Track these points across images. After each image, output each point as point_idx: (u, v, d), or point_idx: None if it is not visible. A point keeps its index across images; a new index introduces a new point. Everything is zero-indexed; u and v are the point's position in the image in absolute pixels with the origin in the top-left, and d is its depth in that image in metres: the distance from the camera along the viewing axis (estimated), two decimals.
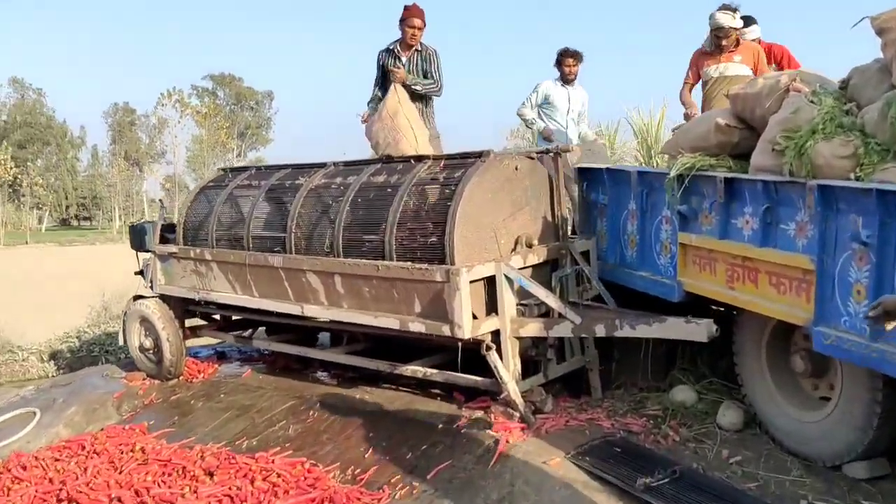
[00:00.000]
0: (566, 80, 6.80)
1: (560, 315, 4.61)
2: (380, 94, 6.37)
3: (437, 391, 5.31)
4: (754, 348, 4.31)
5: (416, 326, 4.69)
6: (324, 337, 6.80)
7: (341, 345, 6.10)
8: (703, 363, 5.08)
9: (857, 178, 3.41)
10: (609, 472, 3.86)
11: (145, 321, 6.46)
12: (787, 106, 3.91)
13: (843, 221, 3.42)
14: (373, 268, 4.79)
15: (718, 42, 5.70)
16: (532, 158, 5.13)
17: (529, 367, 4.89)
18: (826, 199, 3.48)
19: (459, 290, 4.38)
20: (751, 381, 4.37)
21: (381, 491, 4.13)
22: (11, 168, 49.25)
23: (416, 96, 6.19)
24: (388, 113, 5.69)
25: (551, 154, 5.16)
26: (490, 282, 4.63)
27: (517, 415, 4.53)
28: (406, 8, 6.33)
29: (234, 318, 6.70)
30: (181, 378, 6.44)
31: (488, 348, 4.54)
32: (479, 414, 4.76)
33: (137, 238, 6.77)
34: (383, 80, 6.39)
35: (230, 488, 4.29)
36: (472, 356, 4.72)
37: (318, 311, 5.30)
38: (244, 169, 6.53)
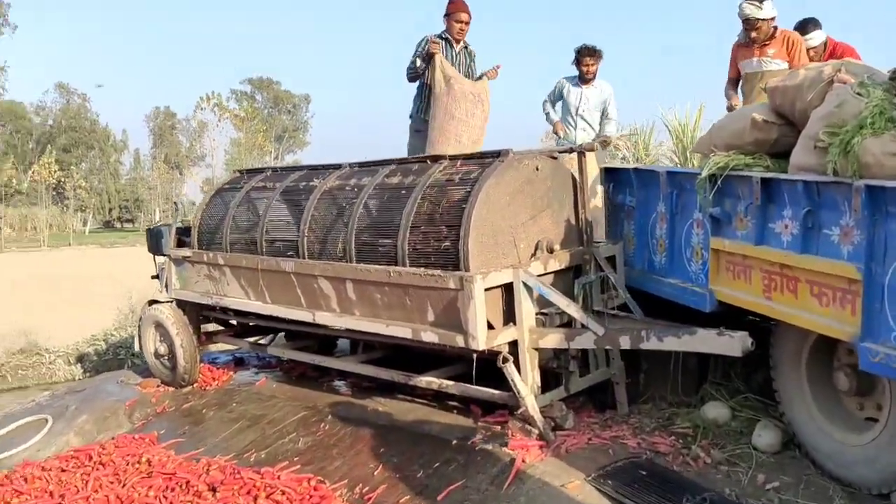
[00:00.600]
0: (583, 78, 6.50)
1: (582, 325, 4.32)
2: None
3: (454, 403, 5.05)
4: (793, 363, 3.97)
5: (429, 336, 4.43)
6: (343, 343, 6.59)
7: (364, 352, 5.88)
8: (738, 377, 4.74)
9: None
10: (633, 499, 3.56)
11: (160, 327, 6.31)
12: (831, 99, 3.57)
13: (893, 226, 3.08)
14: (384, 274, 4.55)
15: (749, 34, 5.34)
16: (554, 158, 4.84)
17: (550, 379, 4.61)
18: (875, 201, 3.13)
19: (473, 299, 4.11)
20: (789, 399, 4.03)
21: None
22: (56, 172, 50.22)
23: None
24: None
25: (575, 153, 4.87)
26: (508, 289, 4.35)
27: (535, 431, 4.25)
28: (451, 1, 6.16)
29: (250, 323, 6.53)
30: (196, 385, 6.28)
31: (505, 360, 4.27)
32: (496, 429, 4.49)
33: (154, 241, 6.65)
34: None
35: None
36: (492, 366, 4.45)
37: (330, 319, 5.08)
38: (260, 170, 6.35)
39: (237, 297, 5.79)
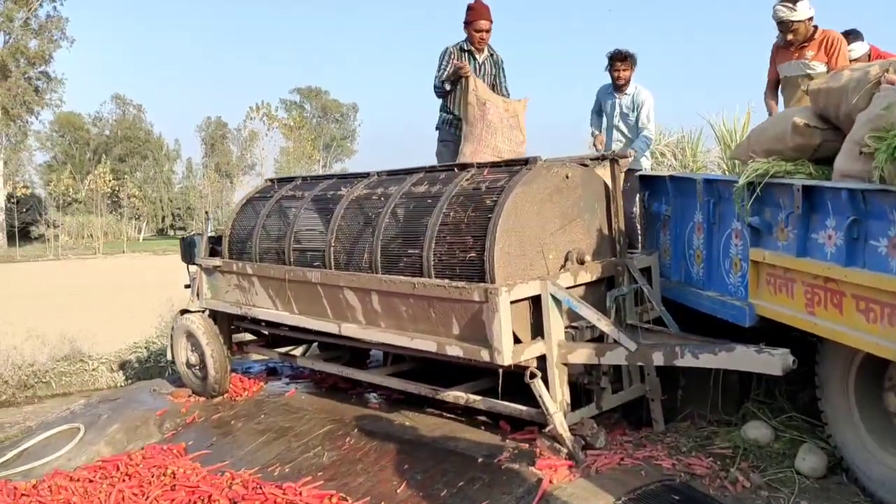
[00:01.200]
0: (616, 85, 6.15)
1: (614, 340, 4.13)
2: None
3: (482, 418, 4.91)
4: (840, 383, 3.72)
5: (454, 350, 4.29)
6: (377, 354, 6.49)
7: (394, 364, 5.77)
8: (782, 395, 4.49)
9: None
10: None
11: (191, 336, 6.30)
12: (878, 101, 3.34)
13: None
14: (409, 285, 4.43)
15: (785, 37, 5.05)
16: (585, 166, 4.66)
17: (581, 396, 4.42)
18: None
19: (498, 312, 3.96)
20: (836, 421, 3.78)
21: None
22: (110, 181, 51.51)
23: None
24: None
25: (608, 161, 4.68)
26: (536, 302, 4.19)
27: (564, 450, 4.07)
28: (470, 8, 5.79)
29: (281, 333, 6.48)
30: (226, 395, 6.25)
31: (532, 376, 4.10)
32: (524, 447, 4.33)
33: (187, 250, 6.64)
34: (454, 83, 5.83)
35: None
36: (523, 380, 4.28)
37: (356, 331, 4.97)
38: (290, 179, 6.30)
39: (266, 308, 5.74)
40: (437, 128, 6.17)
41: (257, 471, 4.79)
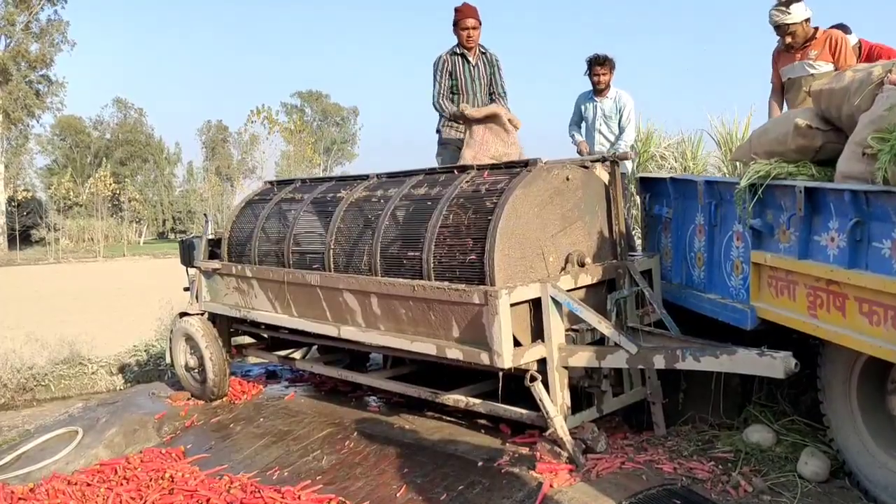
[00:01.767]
0: (596, 90, 6.22)
1: (614, 343, 4.10)
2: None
3: (482, 421, 4.89)
4: (842, 386, 3.69)
5: (454, 353, 4.26)
6: (376, 356, 6.46)
7: (393, 367, 5.75)
8: (784, 398, 4.46)
9: None
10: None
11: (190, 339, 6.28)
12: (881, 102, 3.31)
13: None
14: (408, 288, 4.40)
15: (784, 40, 5.02)
16: (586, 168, 4.64)
17: (582, 399, 4.40)
18: None
19: (498, 314, 3.94)
20: (838, 424, 3.75)
21: None
22: (111, 184, 51.53)
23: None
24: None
25: (608, 162, 4.65)
26: (536, 304, 4.16)
27: (565, 454, 4.04)
28: (457, 10, 5.90)
29: (280, 336, 6.45)
30: (225, 399, 6.22)
31: (533, 379, 4.07)
32: (524, 451, 4.30)
33: (186, 253, 6.62)
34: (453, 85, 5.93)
35: None
36: (522, 382, 4.26)
37: (355, 333, 4.94)
38: (289, 181, 6.28)
39: (265, 310, 5.72)
40: (437, 130, 6.18)
41: (256, 474, 4.77)
